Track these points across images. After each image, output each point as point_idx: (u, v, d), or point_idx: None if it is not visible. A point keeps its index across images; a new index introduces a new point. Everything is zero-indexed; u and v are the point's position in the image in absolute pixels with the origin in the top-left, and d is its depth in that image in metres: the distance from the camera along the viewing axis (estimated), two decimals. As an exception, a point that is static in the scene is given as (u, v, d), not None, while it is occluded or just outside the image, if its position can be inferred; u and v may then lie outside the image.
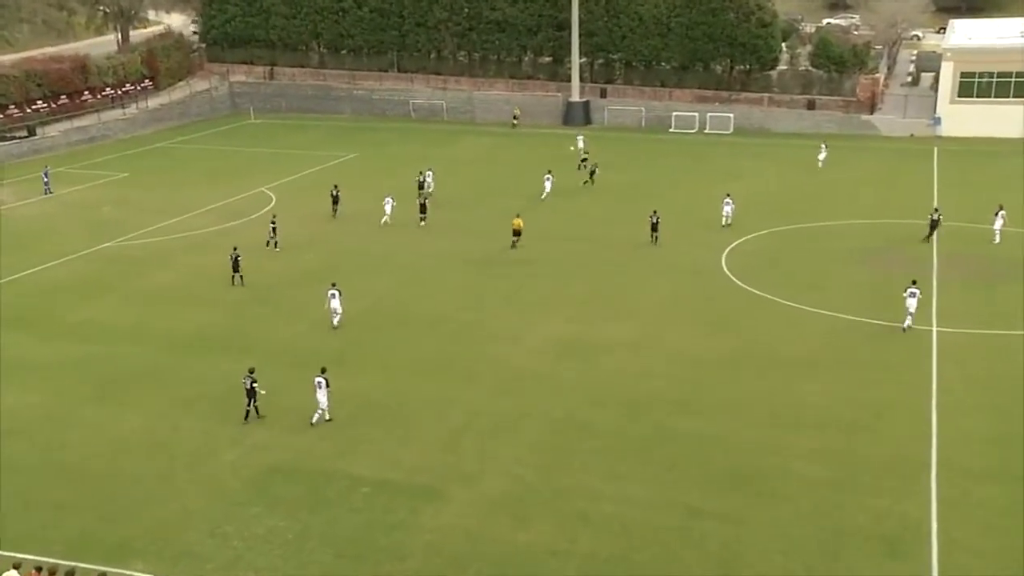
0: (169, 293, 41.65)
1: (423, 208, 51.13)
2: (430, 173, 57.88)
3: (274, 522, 24.40)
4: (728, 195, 50.33)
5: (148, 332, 37.27)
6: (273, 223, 47.26)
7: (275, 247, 46.72)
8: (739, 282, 41.47)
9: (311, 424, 29.27)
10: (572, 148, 65.18)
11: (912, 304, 35.31)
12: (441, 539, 23.59)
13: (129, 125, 79.74)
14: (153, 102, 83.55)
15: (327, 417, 29.43)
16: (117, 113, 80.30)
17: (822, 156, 62.22)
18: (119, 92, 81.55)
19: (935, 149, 68.07)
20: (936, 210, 47.14)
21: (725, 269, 43.24)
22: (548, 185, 56.28)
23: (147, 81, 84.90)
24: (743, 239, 47.54)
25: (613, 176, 60.51)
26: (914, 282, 36.30)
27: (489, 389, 31.71)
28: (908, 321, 35.52)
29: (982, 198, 48.07)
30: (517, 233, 46.64)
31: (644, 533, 23.66)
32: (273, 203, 56.23)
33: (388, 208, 51.13)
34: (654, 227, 46.98)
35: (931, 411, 29.44)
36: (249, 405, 29.51)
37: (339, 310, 36.73)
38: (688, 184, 60.02)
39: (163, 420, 30.06)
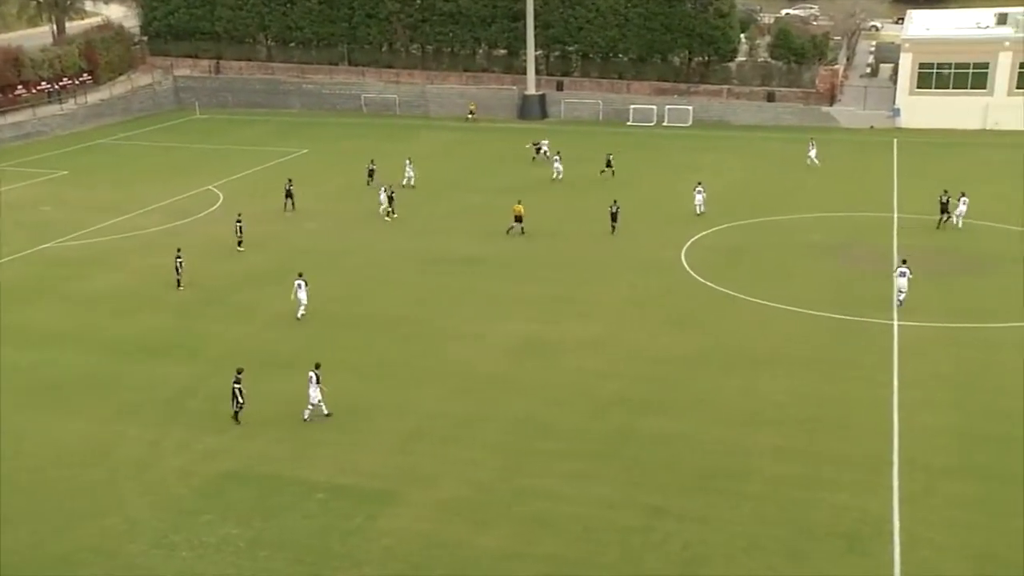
0: (113, 296, 40.48)
1: (391, 200, 50.67)
2: (409, 163, 57.72)
3: (225, 530, 23.80)
4: (699, 183, 50.69)
5: (90, 336, 36.19)
6: (239, 222, 46.08)
7: (239, 246, 45.62)
8: (700, 278, 41.19)
9: (303, 420, 28.94)
10: (540, 151, 63.58)
11: (902, 283, 36.55)
12: (398, 544, 23.14)
13: (67, 121, 77.69)
14: (93, 97, 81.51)
15: (324, 412, 28.99)
16: (54, 108, 78.19)
17: (812, 153, 60.98)
18: (56, 86, 79.19)
19: (895, 141, 68.36)
20: (945, 192, 47.48)
21: (685, 265, 42.94)
22: (559, 166, 58.01)
23: (86, 75, 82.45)
24: (702, 234, 47.30)
25: (569, 171, 60.00)
26: (904, 261, 37.24)
27: (446, 390, 31.15)
28: (900, 297, 36.78)
29: (942, 190, 48.29)
30: (519, 219, 46.99)
31: (606, 534, 23.35)
32: (221, 201, 55.08)
33: (383, 199, 50.83)
34: (613, 217, 47.22)
35: (893, 407, 29.34)
36: (234, 407, 28.84)
37: (304, 301, 36.91)
38: (646, 178, 59.64)
39: (106, 427, 29.12)
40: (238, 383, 28.67)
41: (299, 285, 36.88)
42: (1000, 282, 39.95)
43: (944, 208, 47.15)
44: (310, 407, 28.95)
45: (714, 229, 48.07)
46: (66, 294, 40.66)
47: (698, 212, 49.76)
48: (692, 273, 41.75)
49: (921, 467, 25.91)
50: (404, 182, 56.06)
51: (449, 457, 26.98)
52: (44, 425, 29.23)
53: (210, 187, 58.59)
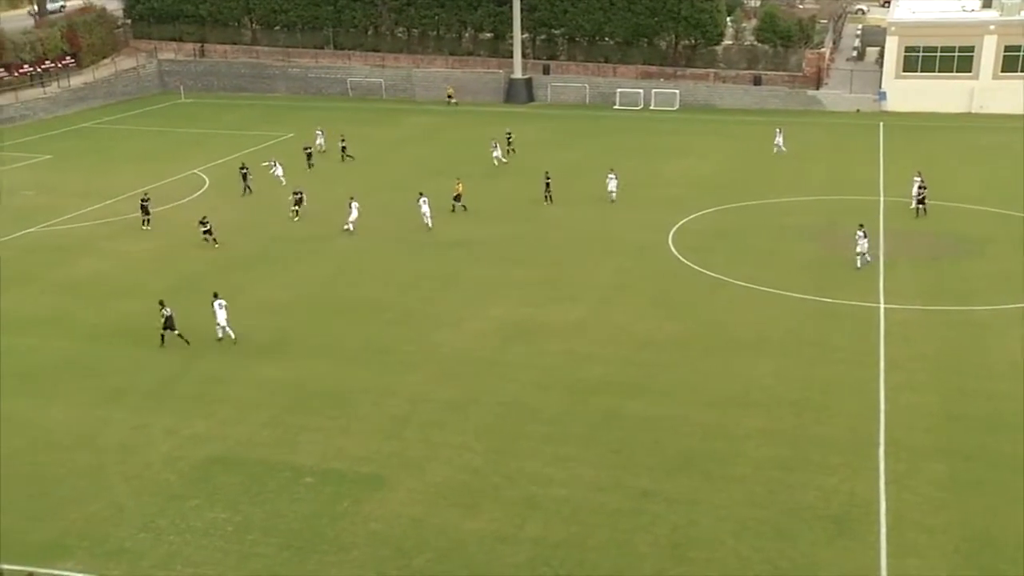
0: (96, 281, 40.16)
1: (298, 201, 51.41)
2: (321, 133, 61.59)
3: (213, 515, 23.70)
4: (612, 169, 50.44)
5: (73, 322, 35.88)
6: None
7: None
8: (686, 261, 41.16)
9: (218, 339, 32.03)
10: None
11: (863, 244, 38.97)
12: (387, 528, 23.06)
13: (50, 104, 76.94)
14: (76, 80, 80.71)
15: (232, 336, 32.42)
16: (37, 92, 77.39)
17: (779, 140, 60.26)
18: (38, 69, 78.33)
19: (880, 124, 68.32)
20: (919, 173, 47.70)
21: (672, 248, 42.91)
22: (497, 152, 58.31)
23: (69, 58, 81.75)
24: (690, 217, 47.25)
25: (556, 154, 59.92)
26: (861, 225, 39.93)
27: (433, 375, 31.04)
28: (859, 261, 39.09)
29: (928, 173, 48.37)
30: (457, 198, 48.18)
31: (594, 517, 23.33)
32: (207, 186, 54.68)
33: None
34: (547, 187, 49.26)
35: (879, 389, 29.39)
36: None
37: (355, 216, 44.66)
38: (633, 162, 59.39)
39: (90, 413, 28.92)
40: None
41: (353, 205, 45.11)
42: (985, 264, 40.10)
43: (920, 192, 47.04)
44: (221, 327, 32.70)
45: (701, 212, 48.04)
46: (49, 280, 40.32)
47: (610, 199, 49.32)
48: (679, 256, 41.72)
49: (907, 448, 25.95)
50: (317, 149, 60.15)
51: (437, 441, 26.89)
52: (26, 411, 28.94)
53: (195, 171, 58.19)
